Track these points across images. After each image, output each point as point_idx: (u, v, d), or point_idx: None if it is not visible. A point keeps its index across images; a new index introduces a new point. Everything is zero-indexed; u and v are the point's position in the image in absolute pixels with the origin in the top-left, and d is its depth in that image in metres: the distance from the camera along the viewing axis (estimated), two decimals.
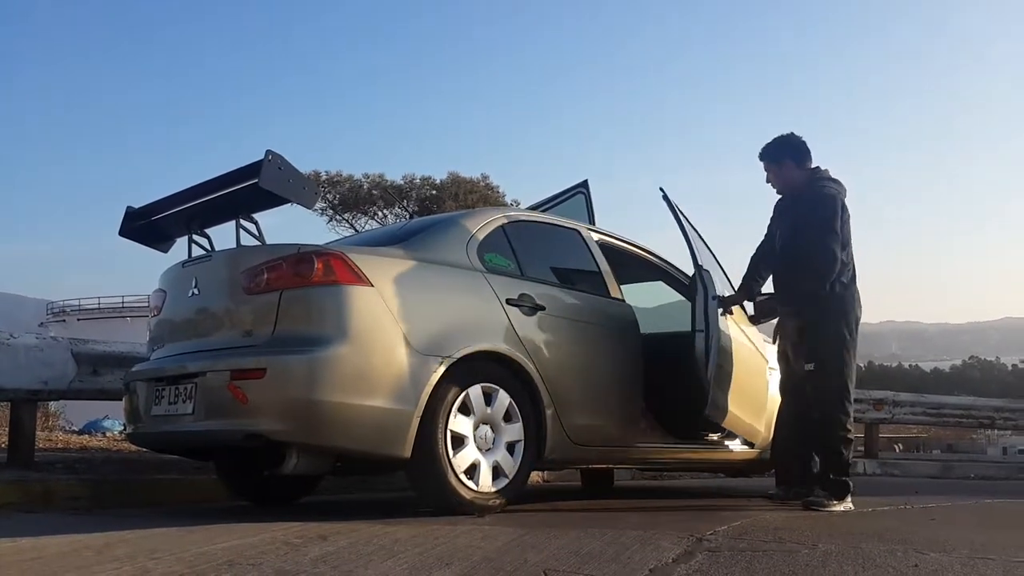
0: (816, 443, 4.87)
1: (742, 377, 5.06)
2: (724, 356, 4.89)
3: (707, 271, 4.89)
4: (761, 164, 4.94)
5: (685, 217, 5.08)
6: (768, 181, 4.96)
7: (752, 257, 5.12)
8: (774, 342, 5.19)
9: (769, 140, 4.94)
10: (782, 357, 4.96)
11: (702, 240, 5.33)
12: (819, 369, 4.66)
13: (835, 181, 4.82)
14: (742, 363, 5.10)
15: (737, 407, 4.98)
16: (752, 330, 5.42)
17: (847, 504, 4.65)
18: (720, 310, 4.89)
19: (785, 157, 4.85)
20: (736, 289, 5.18)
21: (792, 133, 4.91)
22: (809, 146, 4.86)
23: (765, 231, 5.11)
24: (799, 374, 4.78)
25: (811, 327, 4.70)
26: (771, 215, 5.10)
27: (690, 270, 5.21)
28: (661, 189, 5.00)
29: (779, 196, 5.01)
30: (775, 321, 5.22)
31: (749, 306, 5.43)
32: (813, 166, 4.86)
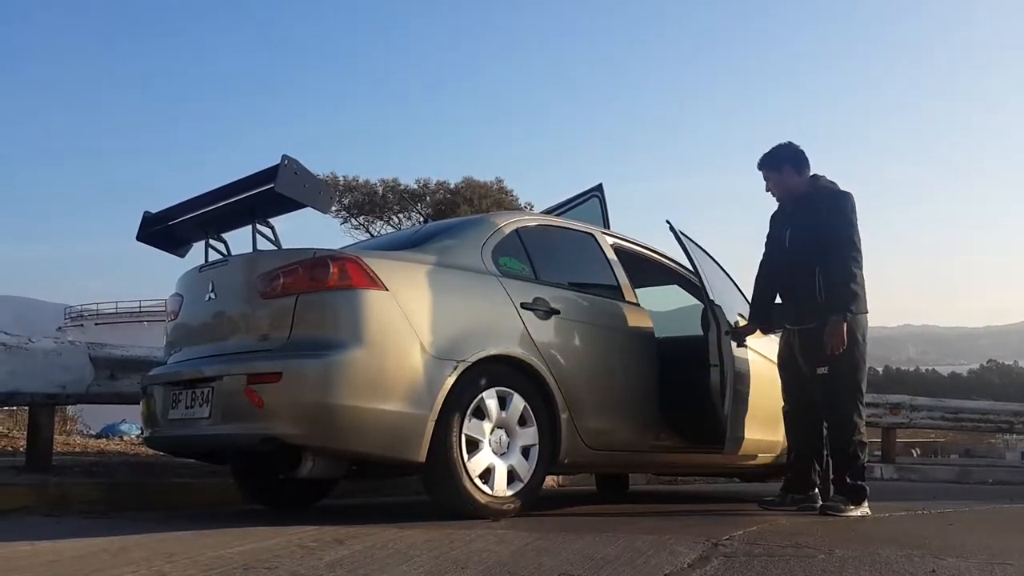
0: (822, 448, 4.86)
1: (757, 394, 5.12)
2: (738, 378, 4.92)
3: (719, 306, 4.91)
4: (760, 173, 4.96)
5: (696, 245, 5.10)
6: (768, 190, 4.98)
7: (756, 279, 5.10)
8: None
9: (766, 150, 4.95)
10: (789, 361, 4.91)
11: (714, 262, 5.35)
12: (832, 372, 4.63)
13: (836, 185, 4.84)
14: (756, 379, 5.14)
15: (753, 430, 5.05)
16: (761, 340, 5.41)
17: (864, 509, 4.62)
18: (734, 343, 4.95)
19: (784, 164, 4.88)
20: (748, 316, 5.17)
21: (790, 142, 4.93)
22: (807, 154, 4.87)
23: (764, 247, 5.07)
24: (809, 378, 4.74)
25: (822, 329, 4.64)
26: (769, 228, 5.06)
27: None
28: (668, 222, 5.05)
29: (777, 207, 5.00)
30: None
31: None
32: (812, 173, 4.87)
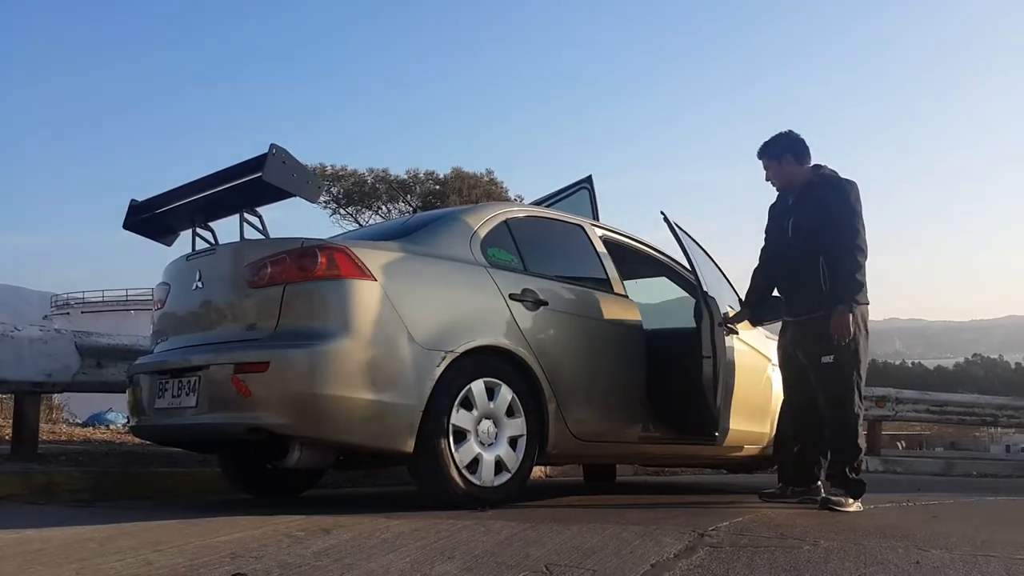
0: (819, 440, 4.85)
1: (745, 387, 5.17)
2: (727, 371, 4.95)
3: (712, 297, 4.93)
4: (760, 163, 4.89)
5: (688, 237, 5.10)
6: (768, 179, 4.91)
7: (755, 269, 5.08)
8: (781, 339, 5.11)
9: (767, 138, 4.88)
10: (791, 355, 4.86)
11: (706, 254, 5.35)
12: (837, 361, 4.56)
13: (838, 174, 4.79)
14: (744, 372, 5.18)
15: (741, 422, 5.10)
16: (752, 331, 5.41)
17: (859, 504, 4.54)
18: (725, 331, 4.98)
19: (785, 152, 4.80)
20: (741, 304, 5.19)
21: (790, 130, 4.85)
22: (808, 143, 4.83)
23: (764, 237, 5.03)
24: (810, 368, 4.70)
25: (827, 319, 4.59)
26: (768, 219, 5.01)
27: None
28: (662, 212, 5.05)
29: (776, 197, 4.97)
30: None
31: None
32: (813, 163, 4.83)
